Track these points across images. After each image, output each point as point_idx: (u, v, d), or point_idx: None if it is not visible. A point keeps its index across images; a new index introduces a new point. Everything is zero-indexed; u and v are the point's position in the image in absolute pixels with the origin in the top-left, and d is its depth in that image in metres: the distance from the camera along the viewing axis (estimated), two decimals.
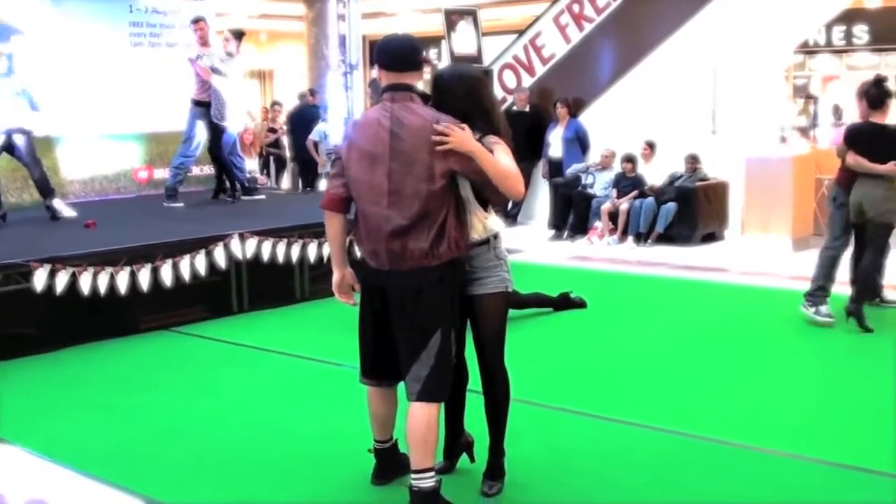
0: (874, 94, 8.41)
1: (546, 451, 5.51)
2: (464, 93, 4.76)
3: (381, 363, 4.86)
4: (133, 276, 8.33)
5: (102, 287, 8.13)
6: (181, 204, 11.82)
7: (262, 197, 12.77)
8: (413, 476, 4.62)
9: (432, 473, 4.62)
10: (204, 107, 11.95)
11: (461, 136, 4.46)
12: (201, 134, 12.07)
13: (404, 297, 4.63)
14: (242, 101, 13.04)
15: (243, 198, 12.39)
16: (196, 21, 12.22)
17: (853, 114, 9.16)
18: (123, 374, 7.44)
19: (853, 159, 8.36)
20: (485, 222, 4.79)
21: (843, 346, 7.99)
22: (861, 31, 21.27)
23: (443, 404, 4.81)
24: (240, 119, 12.80)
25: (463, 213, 4.68)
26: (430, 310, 4.59)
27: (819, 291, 8.50)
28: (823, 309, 8.44)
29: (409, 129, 4.52)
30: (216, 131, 12.01)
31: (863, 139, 8.38)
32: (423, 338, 4.58)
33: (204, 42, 12.07)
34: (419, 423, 4.60)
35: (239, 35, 12.25)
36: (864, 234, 8.52)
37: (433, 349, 4.57)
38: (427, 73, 4.86)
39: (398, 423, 4.92)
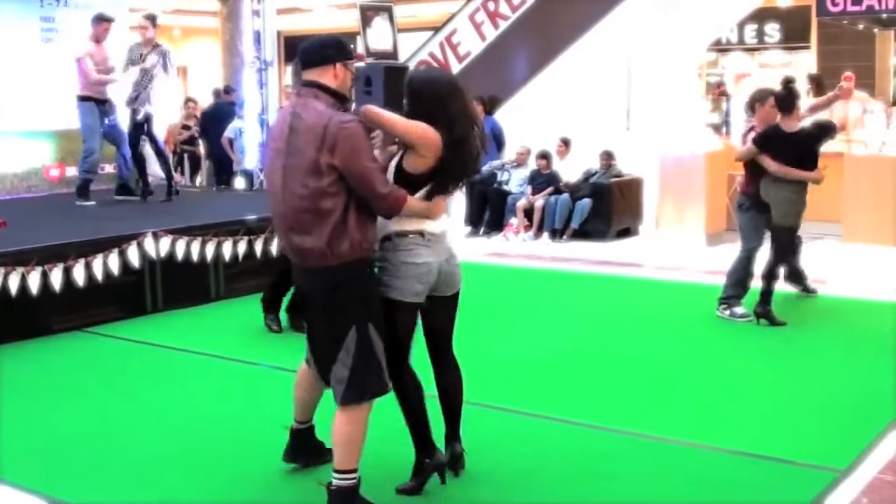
0: (784, 97, 8.30)
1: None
2: (429, 98, 4.72)
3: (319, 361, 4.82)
4: (45, 276, 8.20)
5: (13, 288, 8.00)
6: (93, 202, 11.61)
7: (136, 198, 12.13)
8: (334, 475, 4.59)
9: (354, 475, 4.58)
10: (90, 102, 11.61)
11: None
12: (98, 129, 11.77)
13: (312, 295, 4.65)
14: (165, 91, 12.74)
15: (125, 196, 12.11)
16: (103, 20, 11.65)
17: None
18: (36, 377, 7.32)
19: (776, 167, 8.23)
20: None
21: (759, 338, 8.10)
22: (772, 30, 21.62)
23: (405, 415, 4.86)
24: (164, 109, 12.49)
25: (367, 213, 4.58)
26: (340, 308, 4.54)
27: (731, 299, 8.58)
28: (738, 310, 8.52)
29: (304, 124, 4.49)
30: (147, 122, 11.72)
31: (774, 144, 8.27)
32: (337, 336, 4.54)
33: (97, 40, 11.59)
34: (343, 423, 4.58)
35: (153, 19, 11.89)
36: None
37: (350, 347, 4.52)
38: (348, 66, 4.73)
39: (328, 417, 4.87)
